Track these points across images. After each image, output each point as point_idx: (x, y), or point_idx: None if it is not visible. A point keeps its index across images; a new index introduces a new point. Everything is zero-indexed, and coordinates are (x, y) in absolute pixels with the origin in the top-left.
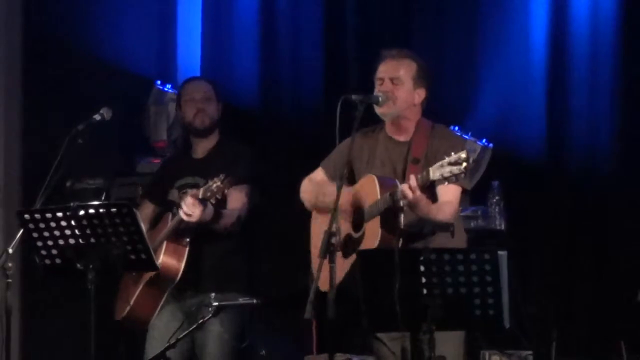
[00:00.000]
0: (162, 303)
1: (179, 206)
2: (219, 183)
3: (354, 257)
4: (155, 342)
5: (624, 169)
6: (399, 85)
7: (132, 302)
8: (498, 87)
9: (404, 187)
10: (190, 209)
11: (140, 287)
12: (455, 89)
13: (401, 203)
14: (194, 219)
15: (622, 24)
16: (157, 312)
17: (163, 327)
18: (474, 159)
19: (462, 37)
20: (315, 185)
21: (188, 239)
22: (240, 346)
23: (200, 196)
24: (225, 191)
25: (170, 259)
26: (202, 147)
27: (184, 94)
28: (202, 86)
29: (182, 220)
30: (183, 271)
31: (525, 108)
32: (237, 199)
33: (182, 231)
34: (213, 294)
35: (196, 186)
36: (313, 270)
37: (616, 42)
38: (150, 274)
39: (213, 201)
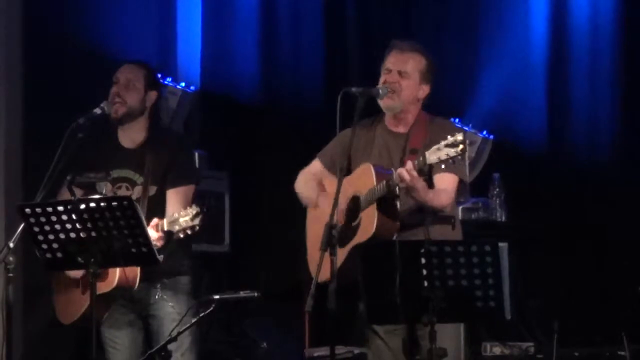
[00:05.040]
0: (113, 306)
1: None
2: (188, 219)
3: (349, 246)
4: (117, 346)
5: (624, 160)
6: (405, 79)
7: (84, 310)
8: (499, 79)
9: (400, 171)
10: (156, 240)
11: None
12: (456, 81)
13: (397, 190)
14: (159, 245)
15: (622, 15)
16: (109, 311)
17: (124, 336)
18: (475, 149)
19: (463, 29)
20: (307, 177)
21: None
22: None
23: (165, 228)
24: (196, 229)
25: (126, 271)
26: (129, 137)
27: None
28: (128, 70)
29: None
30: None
31: (525, 100)
32: (178, 203)
33: None
34: (159, 284)
35: (130, 181)
36: (309, 263)
37: (616, 34)
38: (105, 286)
39: (181, 235)
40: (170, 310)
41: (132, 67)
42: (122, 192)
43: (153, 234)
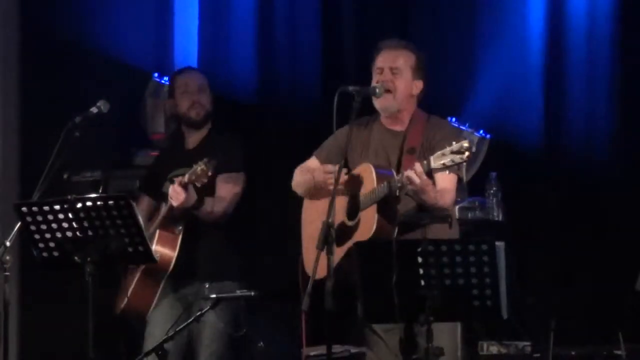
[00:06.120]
0: (158, 294)
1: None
2: (202, 166)
3: (347, 245)
4: (154, 335)
5: (621, 159)
6: (398, 75)
7: (129, 295)
8: (496, 77)
9: (409, 173)
10: (174, 193)
11: (136, 278)
12: (452, 80)
13: (397, 192)
14: (177, 202)
15: (620, 13)
16: (154, 303)
17: (162, 320)
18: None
19: (460, 27)
20: (307, 171)
21: (180, 227)
22: (236, 335)
23: (185, 180)
24: (209, 173)
25: (162, 248)
26: (194, 138)
27: (178, 85)
28: (197, 77)
29: (171, 207)
30: (178, 260)
31: (522, 99)
32: (225, 188)
33: (173, 219)
34: (207, 284)
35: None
36: (304, 260)
37: (614, 32)
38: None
39: (198, 184)
40: (213, 319)
41: (197, 74)
42: None
43: (176, 189)
